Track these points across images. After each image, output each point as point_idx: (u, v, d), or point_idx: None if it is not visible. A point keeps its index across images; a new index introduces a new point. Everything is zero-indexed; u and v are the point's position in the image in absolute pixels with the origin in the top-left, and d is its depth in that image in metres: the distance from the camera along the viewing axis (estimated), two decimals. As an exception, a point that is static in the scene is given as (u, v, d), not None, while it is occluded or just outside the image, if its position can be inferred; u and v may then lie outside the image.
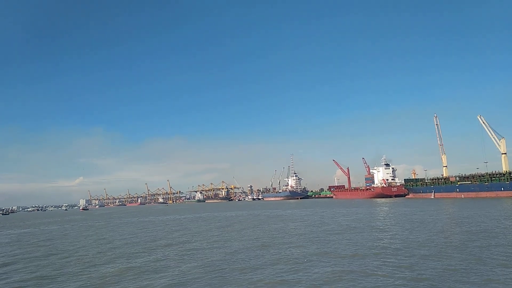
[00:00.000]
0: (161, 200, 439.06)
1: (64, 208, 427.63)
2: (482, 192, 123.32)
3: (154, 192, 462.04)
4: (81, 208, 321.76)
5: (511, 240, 27.75)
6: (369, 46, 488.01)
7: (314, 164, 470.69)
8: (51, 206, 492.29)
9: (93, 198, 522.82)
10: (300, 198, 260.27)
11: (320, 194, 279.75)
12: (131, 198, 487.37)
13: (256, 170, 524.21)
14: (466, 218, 47.51)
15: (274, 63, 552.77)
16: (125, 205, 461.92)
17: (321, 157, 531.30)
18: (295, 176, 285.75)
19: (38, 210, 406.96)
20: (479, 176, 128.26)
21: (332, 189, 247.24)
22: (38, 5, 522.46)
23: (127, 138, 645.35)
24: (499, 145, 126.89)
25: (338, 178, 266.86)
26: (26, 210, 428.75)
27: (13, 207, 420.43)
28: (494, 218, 45.35)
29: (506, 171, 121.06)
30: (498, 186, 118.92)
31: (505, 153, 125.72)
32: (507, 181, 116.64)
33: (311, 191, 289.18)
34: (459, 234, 32.46)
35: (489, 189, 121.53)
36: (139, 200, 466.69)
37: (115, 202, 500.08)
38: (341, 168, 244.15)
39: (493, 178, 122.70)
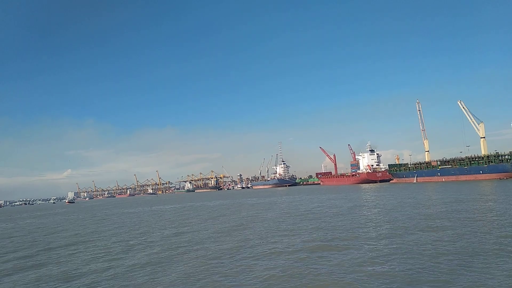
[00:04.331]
0: (150, 191, 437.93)
1: (53, 201, 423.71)
2: (462, 176, 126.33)
3: (143, 183, 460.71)
4: (66, 201, 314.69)
5: (449, 222, 28.96)
6: (354, 32, 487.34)
7: (303, 151, 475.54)
8: (40, 200, 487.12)
9: (81, 191, 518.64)
10: (288, 186, 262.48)
11: (308, 181, 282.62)
12: (120, 189, 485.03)
13: (247, 159, 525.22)
14: (429, 200, 49.74)
15: (264, 51, 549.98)
16: (114, 196, 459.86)
17: (310, 145, 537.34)
18: (283, 164, 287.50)
19: (26, 204, 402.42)
20: (459, 160, 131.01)
21: (319, 176, 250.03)
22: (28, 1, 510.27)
23: (118, 129, 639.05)
24: (478, 129, 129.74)
25: (326, 165, 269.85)
26: (13, 204, 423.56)
27: (0, 202, 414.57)
28: (454, 200, 46.93)
29: (484, 154, 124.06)
30: (477, 169, 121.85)
31: (484, 137, 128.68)
32: (485, 164, 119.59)
33: (299, 178, 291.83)
34: (411, 216, 33.70)
35: (468, 172, 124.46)
36: (128, 192, 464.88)
37: (104, 194, 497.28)
38: (327, 155, 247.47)
39: (472, 162, 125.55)
